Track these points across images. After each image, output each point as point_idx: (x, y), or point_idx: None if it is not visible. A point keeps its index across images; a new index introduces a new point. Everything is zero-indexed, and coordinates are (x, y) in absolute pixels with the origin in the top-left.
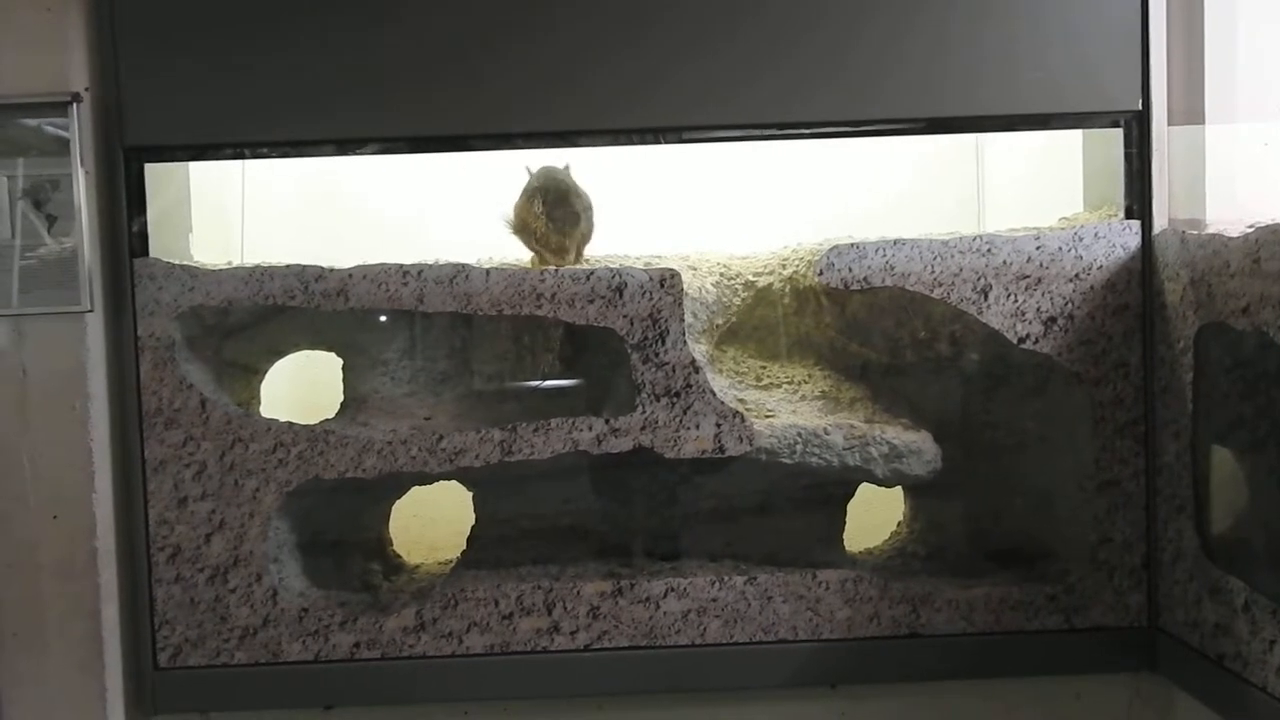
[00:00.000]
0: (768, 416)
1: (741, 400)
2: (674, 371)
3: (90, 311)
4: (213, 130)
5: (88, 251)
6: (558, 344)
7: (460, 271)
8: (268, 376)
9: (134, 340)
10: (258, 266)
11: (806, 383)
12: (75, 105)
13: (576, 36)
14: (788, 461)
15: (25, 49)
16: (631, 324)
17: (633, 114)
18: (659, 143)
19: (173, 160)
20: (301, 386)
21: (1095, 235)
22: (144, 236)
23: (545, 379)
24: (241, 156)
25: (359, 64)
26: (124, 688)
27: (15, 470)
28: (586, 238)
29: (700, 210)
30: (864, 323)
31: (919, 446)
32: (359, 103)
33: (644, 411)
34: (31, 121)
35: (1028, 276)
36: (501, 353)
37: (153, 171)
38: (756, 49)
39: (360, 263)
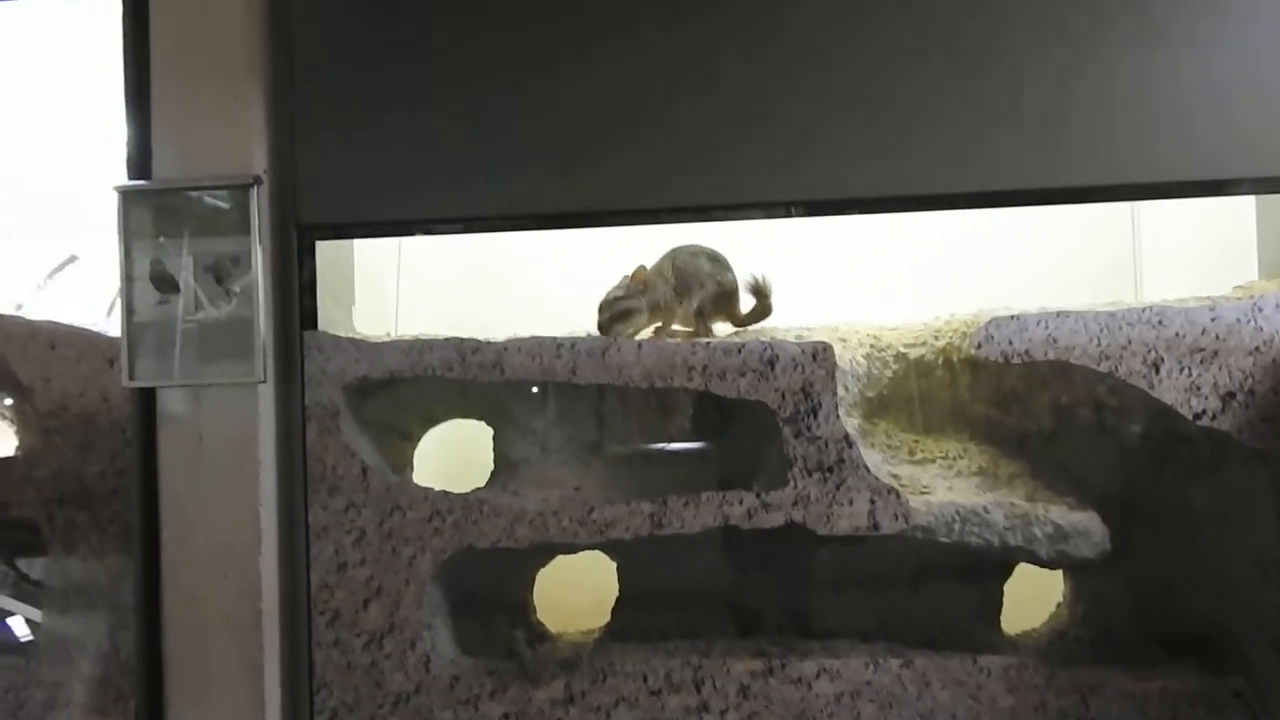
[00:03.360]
0: (923, 493)
1: (895, 475)
2: (826, 446)
3: (263, 382)
4: (380, 209)
5: (262, 324)
6: (707, 416)
7: (612, 344)
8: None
9: (302, 409)
10: (417, 339)
11: (962, 458)
12: (256, 187)
13: (718, 114)
14: (945, 540)
15: (214, 135)
16: (783, 397)
17: (776, 188)
18: (806, 215)
19: (343, 237)
20: (448, 447)
21: (1276, 306)
22: (313, 310)
23: (694, 450)
24: (407, 233)
25: (517, 145)
26: None
27: (189, 529)
28: (712, 309)
29: (848, 281)
30: (1022, 395)
31: (1086, 527)
32: (516, 181)
33: (796, 486)
34: (215, 201)
35: (1203, 349)
36: (650, 423)
37: (321, 247)
38: (904, 119)
39: (514, 334)
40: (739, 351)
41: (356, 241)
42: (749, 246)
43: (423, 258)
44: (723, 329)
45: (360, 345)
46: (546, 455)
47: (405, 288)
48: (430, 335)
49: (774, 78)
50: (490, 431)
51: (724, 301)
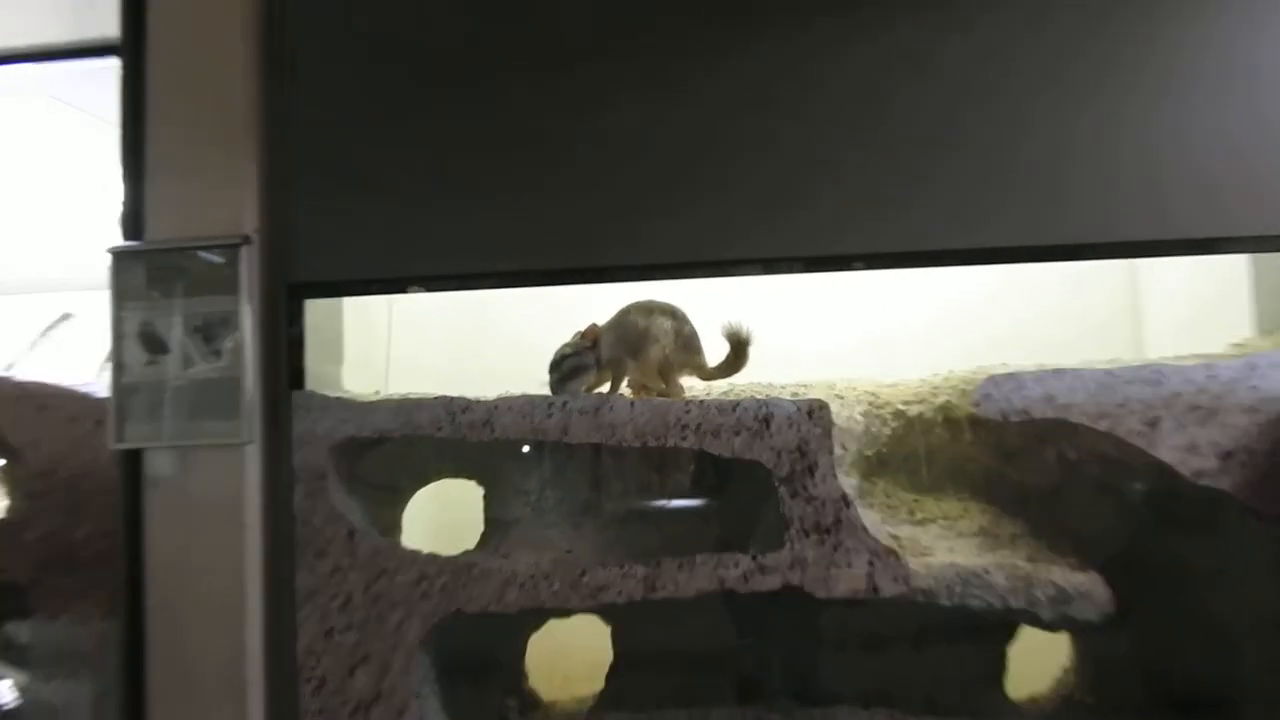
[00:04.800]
0: (923, 554)
1: (895, 536)
2: (824, 506)
3: (250, 443)
4: (370, 267)
5: (250, 384)
6: (702, 475)
7: (604, 403)
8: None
9: (289, 470)
10: (405, 399)
11: (963, 517)
12: (245, 246)
13: (712, 173)
14: (946, 603)
15: (206, 194)
16: (779, 456)
17: (775, 243)
18: (805, 271)
19: (332, 296)
20: (438, 507)
21: (1271, 364)
22: (301, 369)
23: (689, 510)
24: (397, 291)
25: (511, 202)
26: None
27: (174, 593)
28: (673, 364)
29: (845, 337)
30: (1022, 453)
31: (1088, 589)
32: (509, 239)
33: (793, 548)
34: (206, 260)
35: (1200, 408)
36: (644, 483)
37: (310, 306)
38: (902, 175)
39: (509, 389)
40: (733, 409)
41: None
42: (746, 302)
43: (417, 304)
44: (706, 386)
45: (348, 405)
46: (538, 516)
47: (399, 333)
48: (419, 395)
49: (770, 134)
50: (481, 491)
51: (684, 355)
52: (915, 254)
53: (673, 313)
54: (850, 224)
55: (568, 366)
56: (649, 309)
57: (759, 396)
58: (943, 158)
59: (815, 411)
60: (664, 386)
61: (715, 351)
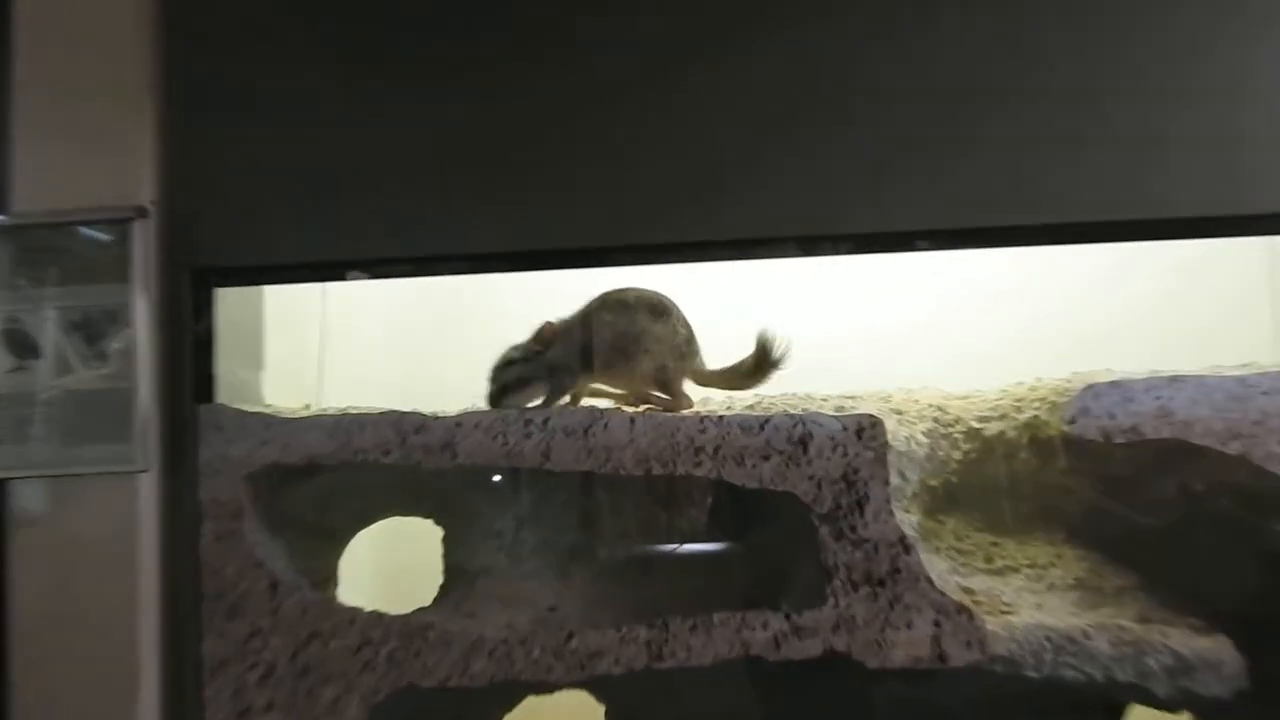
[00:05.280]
0: (1004, 613)
1: (968, 590)
2: (876, 551)
3: (145, 471)
4: (298, 247)
5: (145, 396)
6: (721, 512)
7: (597, 419)
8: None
9: (194, 505)
10: (345, 414)
11: (1055, 565)
12: (139, 221)
13: (715, 139)
14: (1033, 675)
15: (89, 157)
16: (819, 488)
17: (815, 220)
18: (855, 252)
19: (251, 283)
20: (385, 553)
21: None
22: (210, 377)
23: (705, 557)
24: (332, 277)
25: (469, 173)
26: None
27: (45, 665)
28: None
29: (900, 334)
30: (1131, 484)
31: (1216, 657)
32: (466, 217)
33: (836, 604)
34: (88, 238)
35: None
36: (646, 522)
37: (222, 296)
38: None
39: (469, 407)
40: (761, 428)
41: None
42: (776, 291)
43: (360, 296)
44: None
45: (271, 423)
46: (513, 563)
47: (336, 333)
48: (362, 409)
49: (812, 91)
50: (440, 532)
51: (684, 361)
52: (990, 230)
53: (657, 306)
54: (911, 195)
55: (511, 376)
56: (625, 303)
57: (793, 411)
58: (1020, 117)
59: (866, 430)
60: (666, 397)
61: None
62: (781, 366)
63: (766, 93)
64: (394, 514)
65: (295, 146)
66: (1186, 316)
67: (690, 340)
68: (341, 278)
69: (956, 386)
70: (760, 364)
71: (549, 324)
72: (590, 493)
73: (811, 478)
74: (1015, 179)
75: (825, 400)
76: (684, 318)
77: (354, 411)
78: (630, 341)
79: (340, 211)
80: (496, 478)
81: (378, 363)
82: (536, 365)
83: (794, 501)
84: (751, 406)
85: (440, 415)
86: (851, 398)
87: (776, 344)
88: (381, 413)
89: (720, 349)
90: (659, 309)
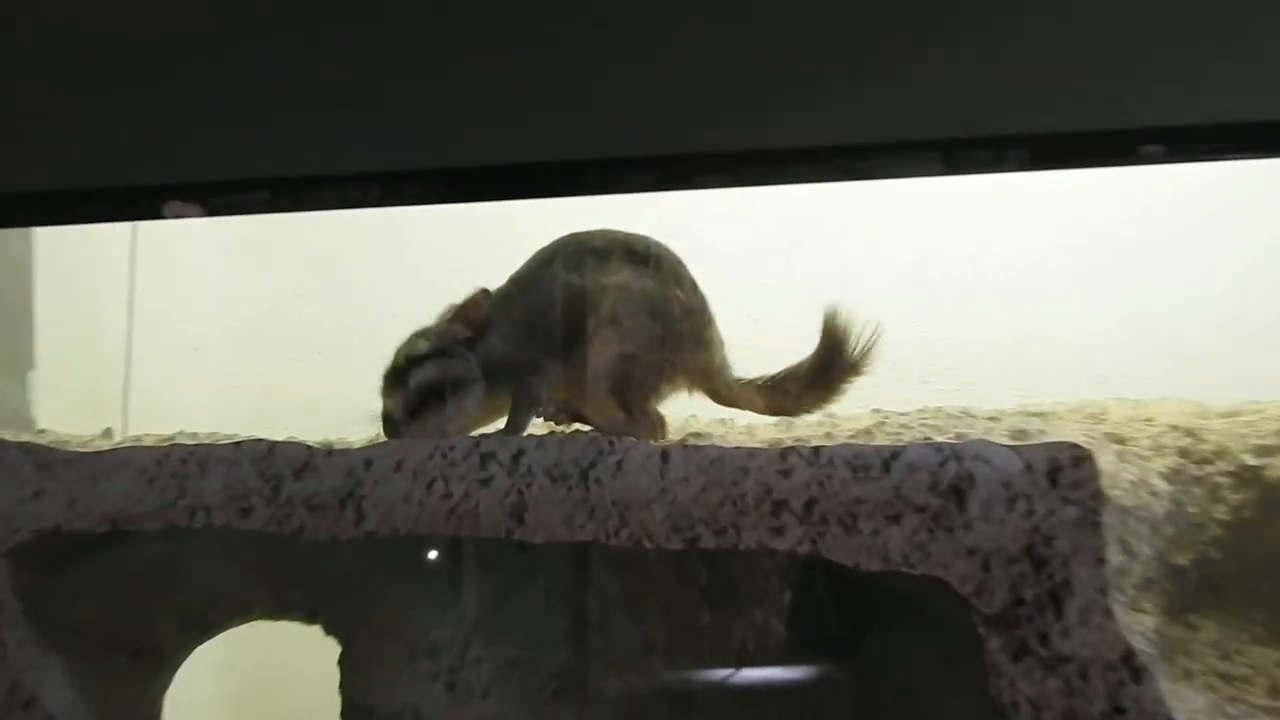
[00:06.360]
0: None
1: None
2: (1085, 678)
3: None
4: (87, 169)
5: None
6: (810, 609)
7: (603, 454)
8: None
9: None
10: (173, 444)
11: None
12: None
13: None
14: None
15: None
16: (986, 569)
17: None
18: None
19: (10, 225)
20: (239, 675)
21: None
22: None
23: (781, 686)
24: (146, 215)
25: (366, 56)
26: None
27: None
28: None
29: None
30: None
31: None
32: (367, 121)
33: None
34: None
35: None
36: (685, 632)
37: None
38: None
39: (375, 436)
40: (886, 468)
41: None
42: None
43: (190, 249)
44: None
45: (48, 461)
46: (458, 700)
47: (152, 310)
48: (204, 436)
49: None
50: (335, 648)
51: (691, 353)
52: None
53: (650, 256)
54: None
55: (421, 380)
56: (590, 250)
57: (940, 439)
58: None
59: (1065, 471)
60: (609, 416)
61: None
62: (864, 368)
63: None
64: (257, 616)
65: (79, 23)
66: None
67: (700, 314)
68: (158, 214)
69: (1209, 393)
70: (829, 365)
71: (479, 293)
72: (591, 580)
73: (973, 552)
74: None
75: (994, 419)
76: (691, 279)
77: (189, 441)
78: (589, 308)
79: (150, 110)
80: (432, 555)
81: (224, 358)
82: (460, 361)
83: (942, 594)
84: (869, 431)
85: (336, 447)
86: (1038, 414)
87: (855, 330)
88: (236, 443)
89: (760, 345)
90: (643, 256)
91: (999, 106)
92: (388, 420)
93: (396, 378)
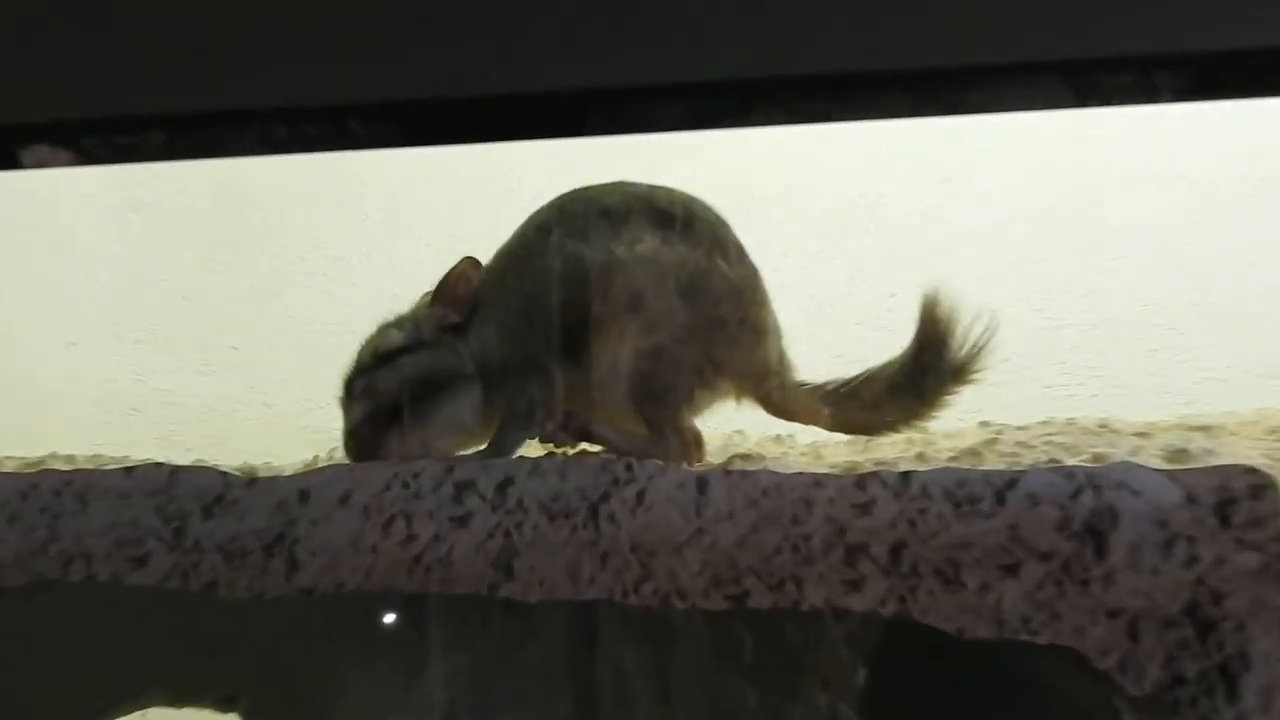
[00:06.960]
0: None
1: None
2: None
3: None
4: None
5: None
6: (894, 696)
7: (619, 482)
8: None
9: None
10: (42, 468)
11: None
12: None
13: None
14: None
15: None
16: (1132, 637)
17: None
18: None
19: None
20: None
21: None
22: None
23: None
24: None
25: None
26: None
27: None
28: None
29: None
30: None
31: None
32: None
33: None
34: None
35: None
36: (724, 713)
37: None
38: None
39: (313, 460)
40: (1000, 499)
41: None
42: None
43: (64, 209)
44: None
45: None
46: None
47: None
48: (88, 456)
49: None
50: None
51: (729, 349)
52: None
53: (678, 216)
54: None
55: (396, 380)
56: (600, 210)
57: (1070, 460)
58: None
59: (1241, 504)
60: (620, 437)
61: None
62: (972, 375)
63: None
64: (156, 702)
65: None
66: None
67: (750, 293)
68: (16, 164)
69: None
70: (925, 368)
71: (466, 263)
72: (601, 653)
73: (1116, 614)
74: None
75: (1144, 435)
76: (738, 244)
77: (63, 465)
78: (600, 288)
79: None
80: (388, 618)
81: (109, 355)
82: (447, 352)
83: (1074, 670)
84: (975, 450)
85: (260, 473)
86: (1202, 427)
87: (963, 322)
88: (127, 469)
89: (827, 337)
90: (670, 216)
91: (1143, 20)
92: (351, 438)
93: (362, 380)
